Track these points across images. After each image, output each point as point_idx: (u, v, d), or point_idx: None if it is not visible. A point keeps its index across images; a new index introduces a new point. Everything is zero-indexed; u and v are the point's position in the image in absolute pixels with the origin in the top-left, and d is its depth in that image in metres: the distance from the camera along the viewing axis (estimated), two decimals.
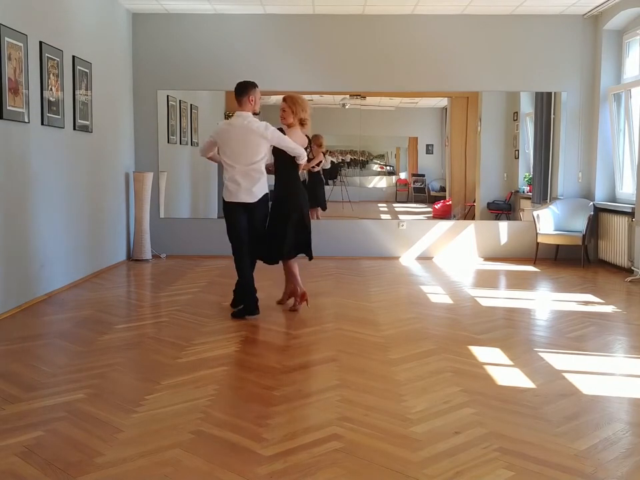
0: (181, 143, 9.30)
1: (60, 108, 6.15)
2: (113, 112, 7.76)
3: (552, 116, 8.81)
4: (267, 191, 5.28)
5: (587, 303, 5.97)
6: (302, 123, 5.41)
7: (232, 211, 5.18)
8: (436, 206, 10.65)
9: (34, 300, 5.67)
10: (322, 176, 9.14)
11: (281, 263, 5.41)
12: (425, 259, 8.56)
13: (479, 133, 9.26)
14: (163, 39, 8.43)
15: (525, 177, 9.57)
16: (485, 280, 7.31)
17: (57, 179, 6.14)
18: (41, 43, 5.74)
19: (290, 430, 2.99)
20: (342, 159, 11.13)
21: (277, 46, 8.43)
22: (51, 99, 5.94)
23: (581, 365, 4.09)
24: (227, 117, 10.15)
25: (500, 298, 6.22)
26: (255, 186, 5.13)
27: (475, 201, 9.54)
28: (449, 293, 6.40)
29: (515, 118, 9.67)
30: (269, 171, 5.35)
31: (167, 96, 8.66)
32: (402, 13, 8.30)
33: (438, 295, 6.30)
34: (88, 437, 2.91)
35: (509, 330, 5.02)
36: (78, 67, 6.58)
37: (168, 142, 8.82)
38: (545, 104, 8.96)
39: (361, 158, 11.63)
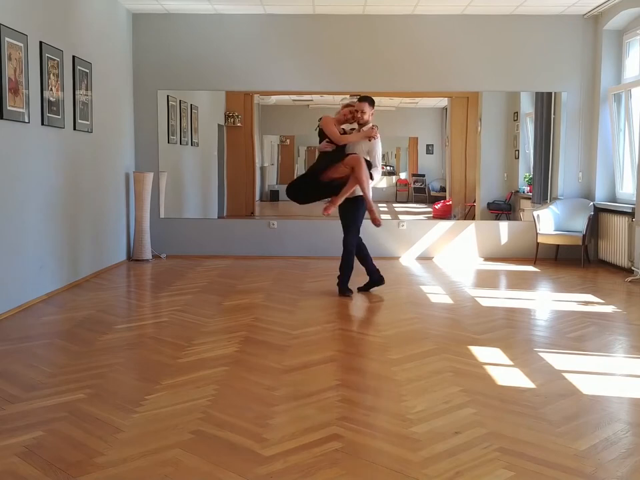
0: (181, 143, 9.31)
1: (60, 108, 6.15)
2: (113, 112, 7.76)
3: (552, 116, 8.81)
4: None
5: (587, 303, 5.97)
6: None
7: None
8: (436, 206, 10.66)
9: (34, 300, 5.67)
10: None
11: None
12: (425, 259, 8.56)
13: (479, 133, 9.26)
14: (163, 39, 8.43)
15: (525, 177, 9.57)
16: (485, 280, 7.31)
17: (57, 179, 6.14)
18: (41, 42, 5.74)
19: (290, 430, 2.99)
20: None
21: (277, 46, 8.43)
22: (51, 99, 5.94)
23: (581, 364, 4.09)
24: (227, 117, 10.16)
25: (500, 298, 6.21)
26: None
27: (475, 201, 9.54)
28: (449, 293, 6.40)
29: (515, 118, 9.66)
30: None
31: (167, 96, 8.66)
32: (402, 13, 8.30)
33: (438, 295, 6.30)
34: (88, 437, 2.91)
35: (509, 330, 5.02)
36: (78, 67, 6.58)
37: (168, 142, 8.82)
38: (545, 104, 8.95)
39: None
